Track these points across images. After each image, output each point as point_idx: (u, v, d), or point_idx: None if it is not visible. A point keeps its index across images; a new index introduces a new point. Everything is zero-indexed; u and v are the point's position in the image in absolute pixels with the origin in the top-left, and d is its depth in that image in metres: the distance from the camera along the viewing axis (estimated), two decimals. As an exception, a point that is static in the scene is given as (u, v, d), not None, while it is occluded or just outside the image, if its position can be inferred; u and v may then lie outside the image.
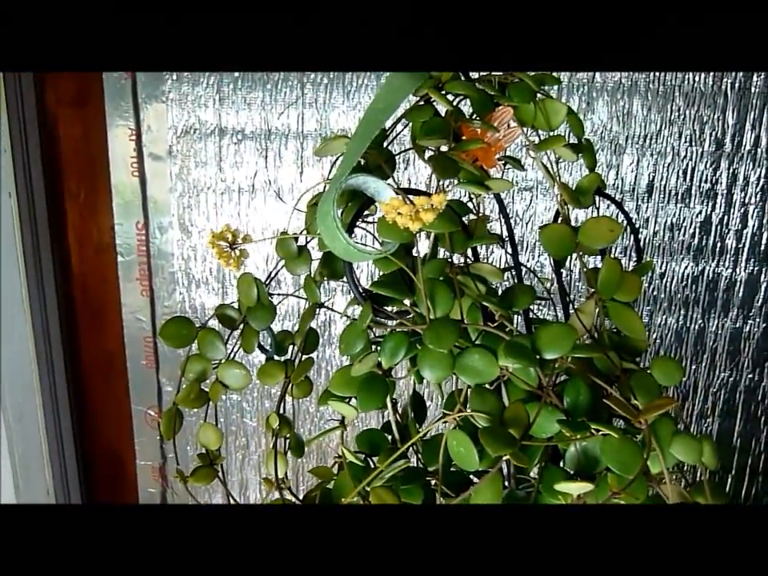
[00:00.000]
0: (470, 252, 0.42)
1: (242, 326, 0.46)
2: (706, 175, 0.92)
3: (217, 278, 1.01)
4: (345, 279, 0.41)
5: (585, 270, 0.46)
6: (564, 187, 0.47)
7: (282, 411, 0.45)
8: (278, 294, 0.47)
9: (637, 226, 0.95)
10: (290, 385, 0.45)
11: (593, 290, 0.46)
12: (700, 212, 0.93)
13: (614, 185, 0.94)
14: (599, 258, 0.47)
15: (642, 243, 0.95)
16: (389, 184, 0.36)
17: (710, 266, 0.95)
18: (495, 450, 0.32)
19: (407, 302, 0.40)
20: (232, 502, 0.45)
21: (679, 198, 0.93)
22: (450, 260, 0.39)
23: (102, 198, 1.01)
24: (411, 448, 0.39)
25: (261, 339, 0.46)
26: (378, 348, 0.39)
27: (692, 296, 0.96)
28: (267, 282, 0.44)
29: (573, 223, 0.45)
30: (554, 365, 0.35)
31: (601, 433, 0.35)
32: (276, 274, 0.44)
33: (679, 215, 0.93)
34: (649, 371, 0.42)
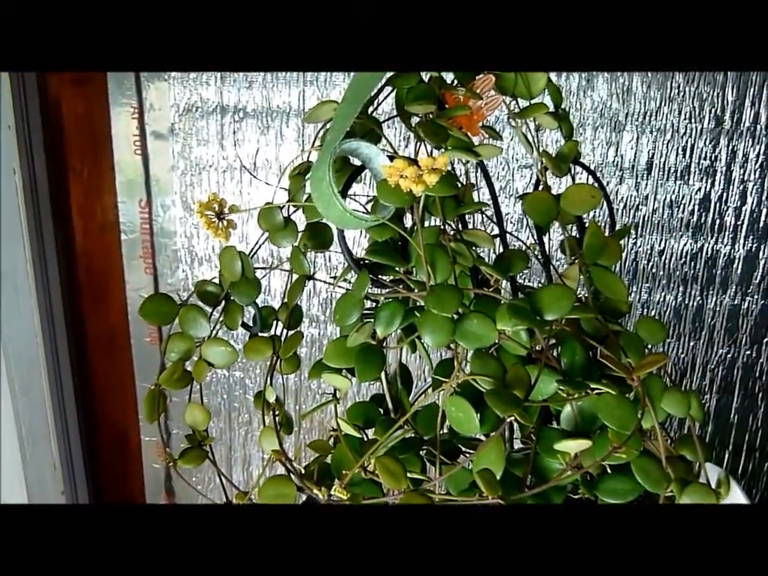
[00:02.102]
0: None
1: (224, 302, 0.45)
2: (706, 152, 0.92)
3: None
4: (331, 249, 0.41)
5: (567, 236, 0.47)
6: (545, 154, 0.48)
7: (270, 382, 0.45)
8: (263, 268, 0.47)
9: (636, 203, 0.96)
10: (278, 360, 0.45)
11: (574, 256, 0.47)
12: (699, 189, 0.93)
13: (613, 162, 0.94)
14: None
15: (641, 220, 0.96)
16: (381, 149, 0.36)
17: (709, 243, 0.95)
18: (503, 411, 0.33)
19: (399, 269, 0.41)
20: (225, 482, 0.45)
21: (678, 175, 0.93)
22: (442, 227, 0.40)
23: (105, 176, 1.01)
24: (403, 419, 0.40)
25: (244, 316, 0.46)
26: (369, 319, 0.40)
27: (690, 273, 0.96)
28: (252, 255, 0.44)
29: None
30: (552, 327, 0.36)
31: (595, 392, 0.36)
32: (259, 247, 0.44)
33: (678, 192, 0.93)
34: (634, 331, 0.44)
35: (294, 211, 0.43)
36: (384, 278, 0.41)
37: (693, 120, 0.91)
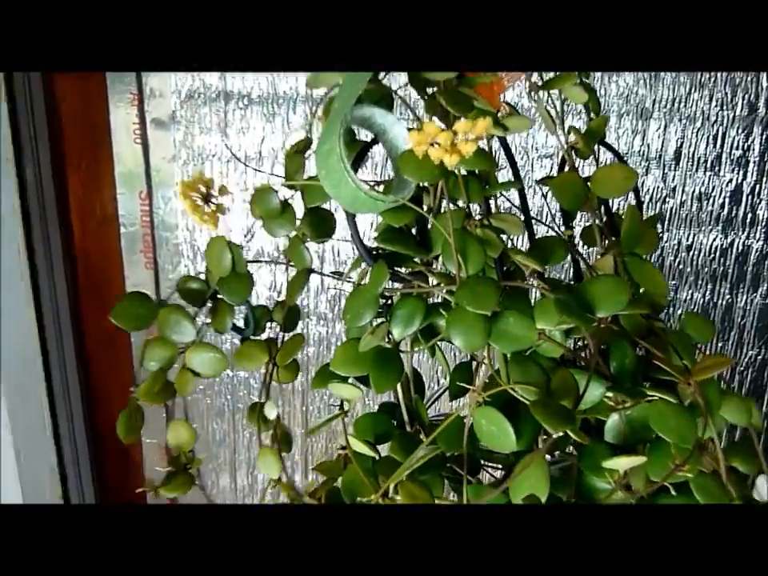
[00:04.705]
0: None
1: (212, 301, 0.39)
2: (738, 141, 0.87)
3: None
4: (336, 238, 0.36)
5: (598, 222, 0.43)
6: (575, 130, 0.43)
7: (267, 395, 0.40)
8: (257, 261, 0.41)
9: (663, 195, 0.91)
10: (275, 368, 0.39)
11: (607, 245, 0.43)
12: (730, 180, 0.88)
13: (639, 151, 0.89)
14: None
15: (669, 213, 0.91)
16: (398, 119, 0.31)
17: (740, 238, 0.91)
18: (554, 426, 0.28)
19: (419, 260, 0.36)
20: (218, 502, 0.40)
21: (708, 165, 0.88)
22: (467, 211, 0.35)
23: (104, 166, 0.97)
24: (421, 431, 0.35)
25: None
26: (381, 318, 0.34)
27: (720, 270, 0.92)
28: (247, 241, 0.38)
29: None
30: (600, 325, 0.31)
31: (645, 399, 0.31)
32: (252, 236, 0.38)
33: (708, 184, 0.89)
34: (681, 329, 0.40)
35: (293, 194, 0.37)
36: (400, 270, 0.36)
37: (725, 107, 0.87)
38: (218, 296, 0.39)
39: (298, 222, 0.38)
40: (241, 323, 0.42)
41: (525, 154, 0.91)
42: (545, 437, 0.35)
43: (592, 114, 0.47)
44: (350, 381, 0.36)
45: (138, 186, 0.96)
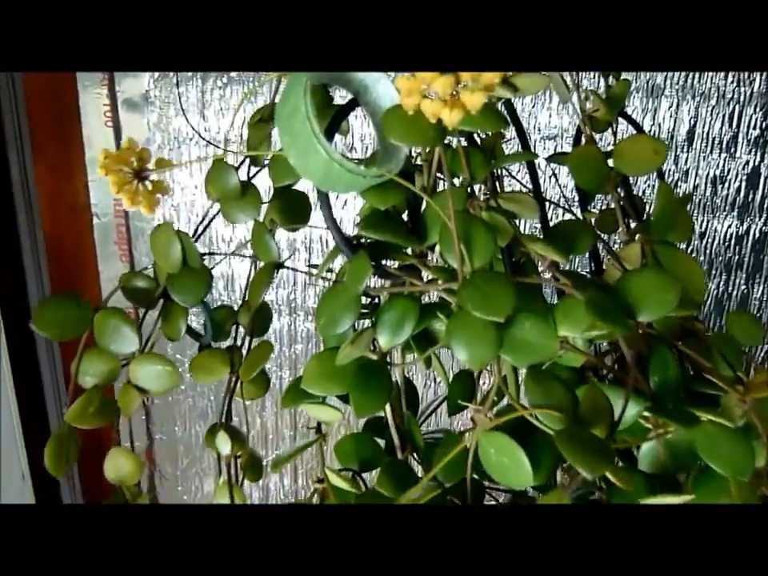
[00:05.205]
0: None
1: (162, 302, 0.33)
2: (756, 120, 0.81)
3: (203, 240, 0.91)
4: (311, 225, 0.29)
5: (622, 203, 0.37)
6: (595, 94, 0.37)
7: (227, 415, 0.33)
8: (214, 254, 0.34)
9: (675, 178, 0.85)
10: (239, 381, 0.33)
11: (634, 231, 0.37)
12: (747, 163, 0.82)
13: (649, 131, 0.83)
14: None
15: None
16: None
17: (757, 225, 0.85)
18: (592, 469, 0.22)
19: (409, 251, 0.29)
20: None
21: (724, 146, 0.83)
22: (470, 191, 0.28)
23: (74, 150, 0.90)
24: (411, 455, 0.29)
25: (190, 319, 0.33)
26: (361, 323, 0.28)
27: (735, 258, 0.86)
28: (196, 237, 0.32)
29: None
30: (638, 331, 0.25)
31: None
32: (209, 222, 0.31)
33: (723, 166, 0.83)
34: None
35: (257, 172, 0.30)
36: (387, 263, 0.29)
37: (741, 84, 0.81)
38: (169, 296, 0.32)
39: (264, 206, 0.31)
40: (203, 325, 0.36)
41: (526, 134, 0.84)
42: (565, 463, 0.29)
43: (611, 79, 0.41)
44: (328, 399, 0.29)
45: (111, 173, 0.90)
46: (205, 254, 0.32)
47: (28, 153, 0.91)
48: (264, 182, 0.37)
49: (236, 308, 0.36)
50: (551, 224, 0.32)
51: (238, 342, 0.37)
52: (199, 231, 0.33)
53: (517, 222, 0.32)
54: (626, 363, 0.26)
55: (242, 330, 0.35)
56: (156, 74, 0.85)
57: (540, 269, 0.31)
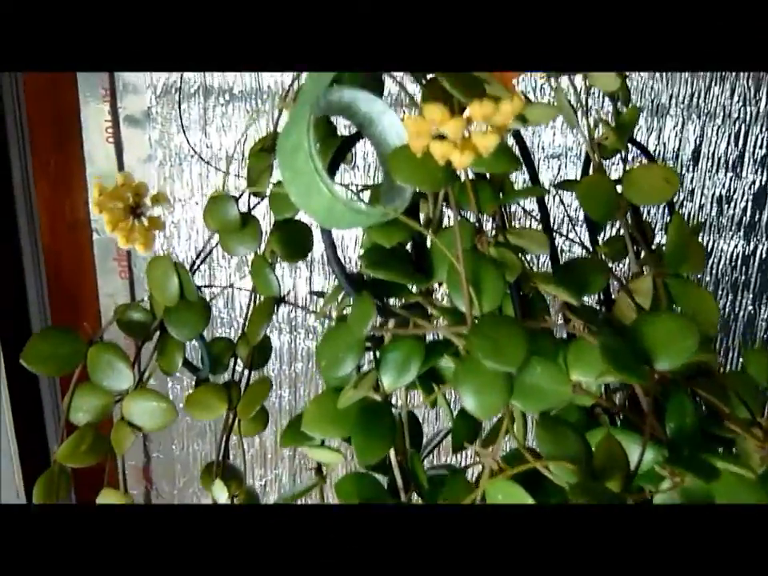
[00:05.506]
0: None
1: (158, 334, 0.32)
2: (762, 140, 0.81)
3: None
4: (309, 259, 0.28)
5: (632, 233, 0.37)
6: (605, 123, 0.36)
7: (224, 453, 0.32)
8: (212, 286, 0.34)
9: (680, 198, 0.84)
10: (236, 418, 0.32)
11: (643, 262, 0.36)
12: (753, 182, 0.81)
13: (654, 150, 0.83)
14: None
15: (686, 218, 0.84)
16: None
17: (764, 245, 0.84)
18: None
19: (415, 288, 0.28)
20: None
21: (730, 166, 0.82)
22: (478, 226, 0.28)
23: (75, 167, 0.90)
24: (418, 496, 0.28)
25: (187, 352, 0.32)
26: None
27: (742, 279, 0.85)
28: (194, 269, 0.31)
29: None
30: (655, 376, 0.24)
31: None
32: (207, 255, 0.31)
33: (729, 186, 0.83)
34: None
35: (257, 203, 0.30)
36: (391, 300, 0.28)
37: (747, 102, 0.80)
38: (165, 329, 0.32)
39: (264, 236, 0.30)
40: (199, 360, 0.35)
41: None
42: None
43: (620, 105, 0.40)
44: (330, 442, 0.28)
45: (111, 189, 0.89)
46: (203, 286, 0.31)
47: (30, 168, 0.91)
48: (264, 207, 0.36)
49: (235, 332, 0.35)
50: (560, 247, 0.31)
51: (237, 372, 0.36)
52: (197, 264, 0.32)
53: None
54: (640, 406, 0.25)
55: (240, 362, 0.34)
56: (158, 91, 0.85)
57: (549, 303, 0.30)
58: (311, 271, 0.86)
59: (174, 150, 0.87)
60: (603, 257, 0.36)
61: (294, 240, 0.31)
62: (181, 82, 0.84)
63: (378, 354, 0.27)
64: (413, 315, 0.27)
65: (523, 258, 0.31)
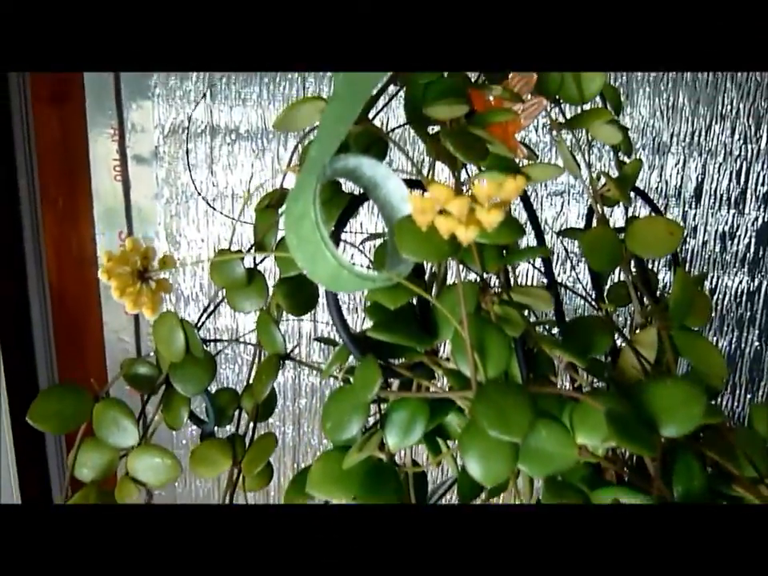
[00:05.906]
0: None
1: (164, 388, 0.33)
2: (763, 177, 0.81)
3: (207, 293, 0.90)
4: (312, 318, 0.29)
5: (636, 283, 0.37)
6: (607, 176, 0.37)
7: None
8: (218, 341, 0.34)
9: (684, 235, 0.84)
10: (241, 475, 0.32)
11: (647, 315, 0.37)
12: (756, 219, 0.82)
13: (657, 188, 0.83)
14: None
15: (690, 254, 0.84)
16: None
17: (768, 281, 0.83)
18: None
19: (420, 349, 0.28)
20: None
21: (732, 203, 0.82)
22: (481, 284, 0.28)
23: (82, 204, 0.91)
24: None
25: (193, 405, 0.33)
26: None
27: (747, 315, 0.85)
28: (200, 324, 0.31)
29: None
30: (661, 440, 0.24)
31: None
32: (214, 308, 0.31)
33: (732, 223, 0.83)
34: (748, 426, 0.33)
35: (262, 260, 0.30)
36: (395, 361, 0.28)
37: (748, 140, 0.81)
38: (171, 384, 0.32)
39: (270, 291, 0.30)
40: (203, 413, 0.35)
41: (533, 191, 0.84)
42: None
43: (622, 156, 0.40)
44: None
45: (118, 226, 0.90)
46: (208, 341, 0.32)
47: (38, 204, 0.92)
48: (270, 260, 0.37)
49: (238, 377, 0.35)
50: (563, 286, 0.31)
51: (242, 422, 0.36)
52: (203, 320, 0.33)
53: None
54: (647, 469, 0.25)
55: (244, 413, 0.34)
56: (165, 130, 0.86)
57: (554, 357, 0.30)
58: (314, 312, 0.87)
59: (181, 188, 0.88)
60: (608, 311, 0.36)
61: (298, 294, 0.31)
62: (189, 122, 0.85)
63: (382, 411, 0.27)
64: (417, 376, 0.27)
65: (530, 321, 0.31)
